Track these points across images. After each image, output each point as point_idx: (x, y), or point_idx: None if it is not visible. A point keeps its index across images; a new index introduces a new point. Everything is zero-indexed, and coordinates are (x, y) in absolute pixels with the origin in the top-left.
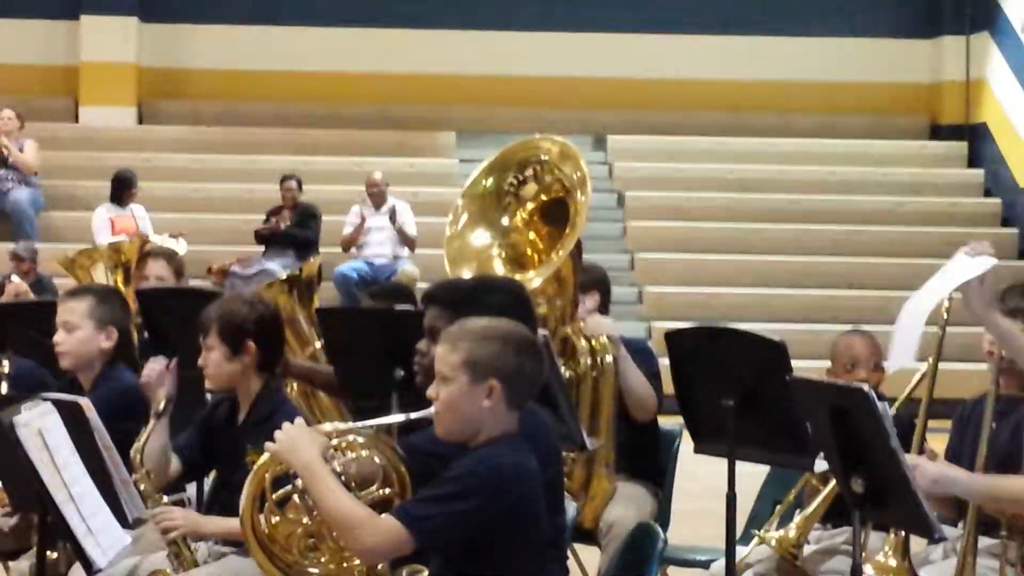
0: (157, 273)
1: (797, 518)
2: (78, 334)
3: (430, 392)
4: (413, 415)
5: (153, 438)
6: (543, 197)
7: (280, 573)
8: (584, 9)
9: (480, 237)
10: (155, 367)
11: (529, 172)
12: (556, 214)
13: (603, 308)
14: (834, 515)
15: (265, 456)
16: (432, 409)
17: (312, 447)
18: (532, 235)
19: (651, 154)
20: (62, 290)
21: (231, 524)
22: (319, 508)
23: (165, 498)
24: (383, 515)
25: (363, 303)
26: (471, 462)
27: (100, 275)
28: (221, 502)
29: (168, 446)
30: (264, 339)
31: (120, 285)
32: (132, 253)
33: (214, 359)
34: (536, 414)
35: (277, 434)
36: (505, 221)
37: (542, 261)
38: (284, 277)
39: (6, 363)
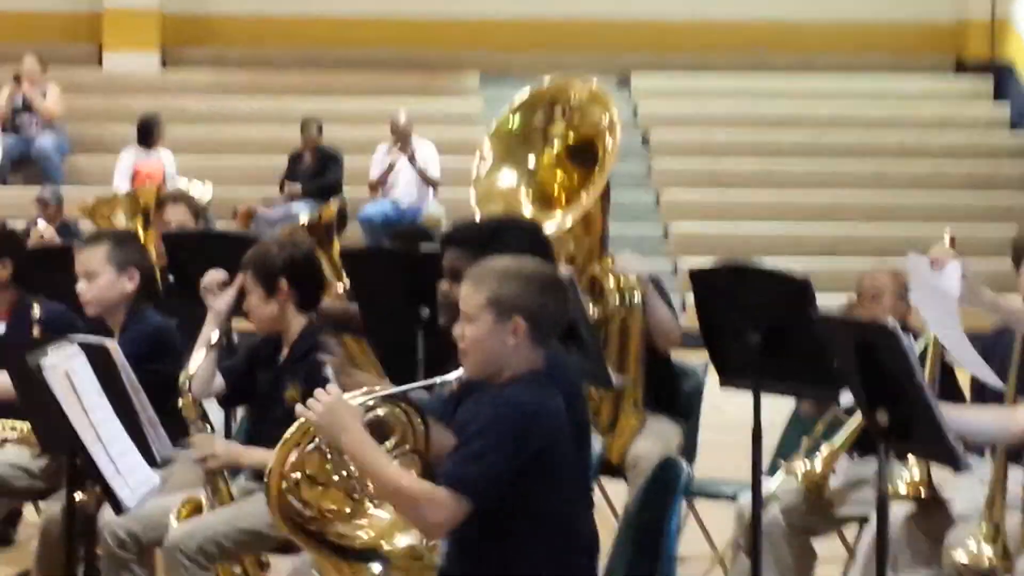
0: (178, 219)
1: (823, 450)
2: (100, 280)
3: (456, 331)
4: (439, 379)
5: (203, 367)
6: (571, 137)
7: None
8: None
9: (507, 177)
10: (216, 275)
11: (558, 111)
12: (583, 155)
13: None
14: (861, 445)
15: (299, 424)
16: (457, 373)
17: (355, 423)
18: (560, 174)
19: (675, 93)
20: (88, 234)
21: (270, 456)
22: (375, 486)
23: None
24: (435, 487)
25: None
26: (492, 409)
27: (120, 222)
28: (260, 435)
29: (215, 375)
30: (297, 279)
31: (140, 231)
32: (150, 199)
33: (252, 301)
34: (557, 354)
35: (315, 407)
36: (532, 160)
37: (570, 200)
38: (303, 222)
39: (36, 307)
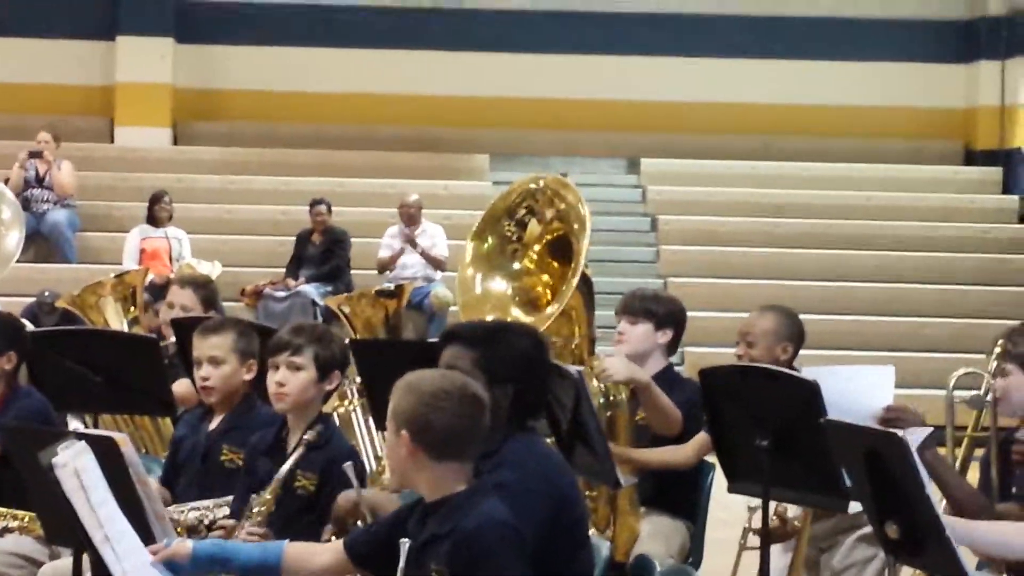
0: (182, 302)
1: None
2: (224, 368)
3: None
4: None
5: None
6: (547, 236)
7: None
8: (618, 32)
9: (496, 284)
10: None
11: (522, 212)
12: (564, 251)
13: (673, 345)
14: None
15: None
16: None
17: None
18: (545, 276)
19: (684, 178)
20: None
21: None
22: None
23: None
24: None
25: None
26: (464, 551)
27: (109, 307)
28: (276, 526)
29: None
30: (344, 372)
31: (126, 315)
32: (137, 281)
33: (301, 380)
34: (545, 455)
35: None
36: (516, 265)
37: (555, 300)
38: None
39: None
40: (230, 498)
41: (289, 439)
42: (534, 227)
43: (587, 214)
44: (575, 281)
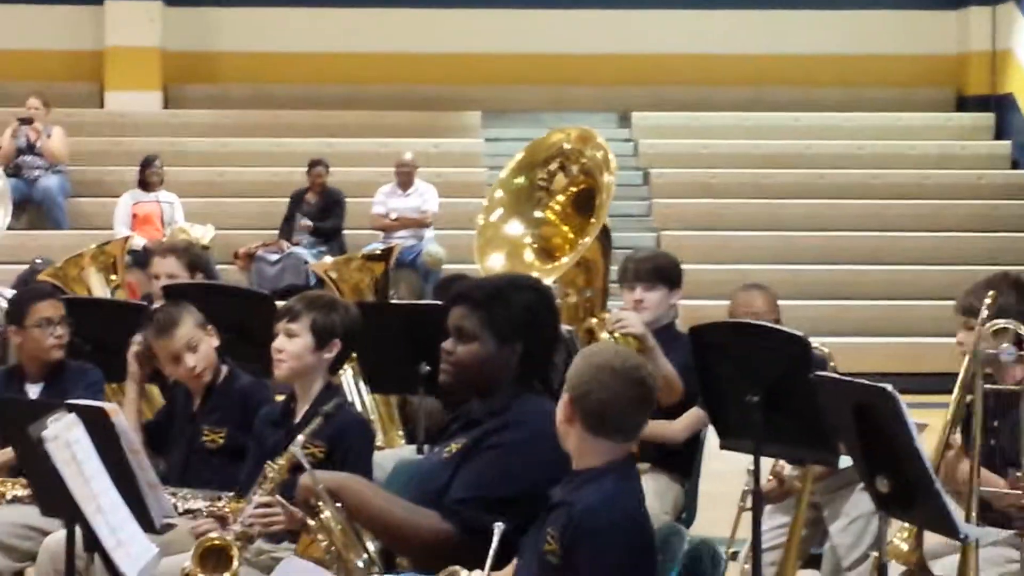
0: (167, 271)
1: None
2: (202, 348)
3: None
4: None
5: None
6: (572, 189)
7: None
8: None
9: (513, 227)
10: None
11: (554, 166)
12: (587, 205)
13: None
14: None
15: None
16: None
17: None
18: (565, 228)
19: (676, 131)
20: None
21: None
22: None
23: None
24: None
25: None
26: (576, 525)
27: (92, 277)
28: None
29: None
30: (348, 340)
31: (108, 284)
32: (117, 251)
33: (296, 347)
34: (545, 406)
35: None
36: (538, 213)
37: (571, 252)
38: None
39: None
40: (210, 492)
41: (297, 409)
42: (561, 178)
43: (611, 158)
44: (594, 231)
